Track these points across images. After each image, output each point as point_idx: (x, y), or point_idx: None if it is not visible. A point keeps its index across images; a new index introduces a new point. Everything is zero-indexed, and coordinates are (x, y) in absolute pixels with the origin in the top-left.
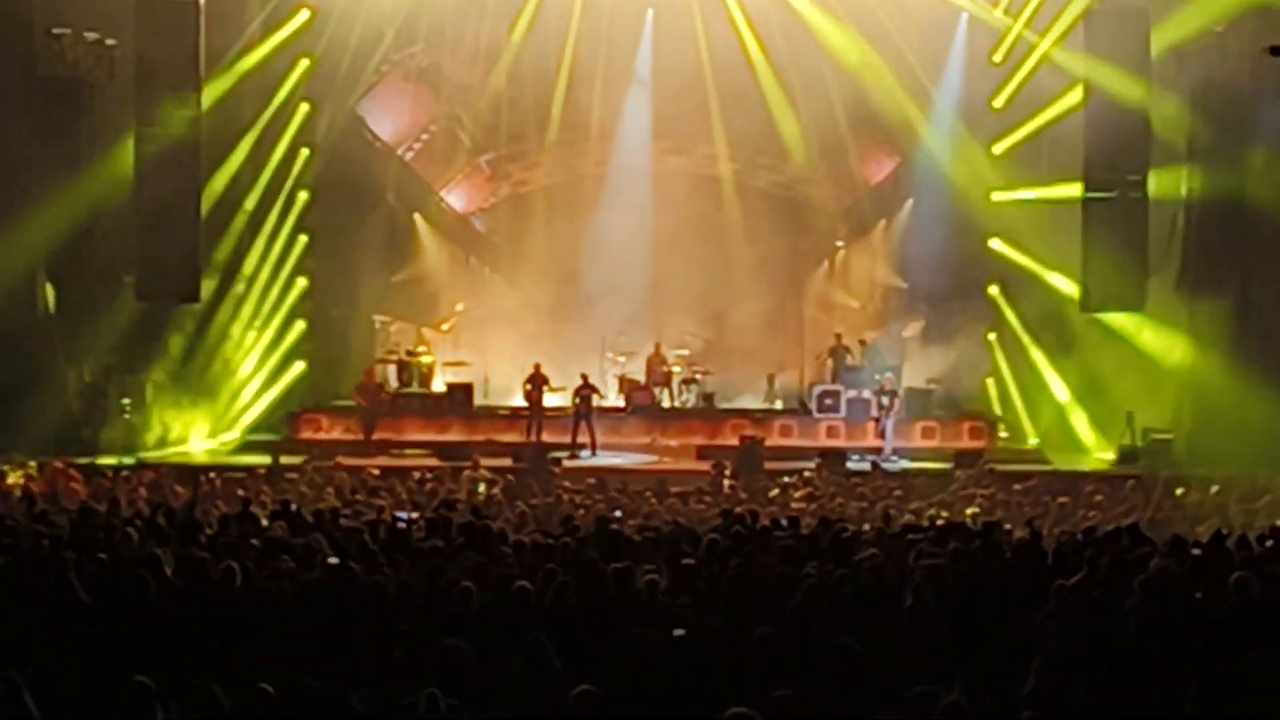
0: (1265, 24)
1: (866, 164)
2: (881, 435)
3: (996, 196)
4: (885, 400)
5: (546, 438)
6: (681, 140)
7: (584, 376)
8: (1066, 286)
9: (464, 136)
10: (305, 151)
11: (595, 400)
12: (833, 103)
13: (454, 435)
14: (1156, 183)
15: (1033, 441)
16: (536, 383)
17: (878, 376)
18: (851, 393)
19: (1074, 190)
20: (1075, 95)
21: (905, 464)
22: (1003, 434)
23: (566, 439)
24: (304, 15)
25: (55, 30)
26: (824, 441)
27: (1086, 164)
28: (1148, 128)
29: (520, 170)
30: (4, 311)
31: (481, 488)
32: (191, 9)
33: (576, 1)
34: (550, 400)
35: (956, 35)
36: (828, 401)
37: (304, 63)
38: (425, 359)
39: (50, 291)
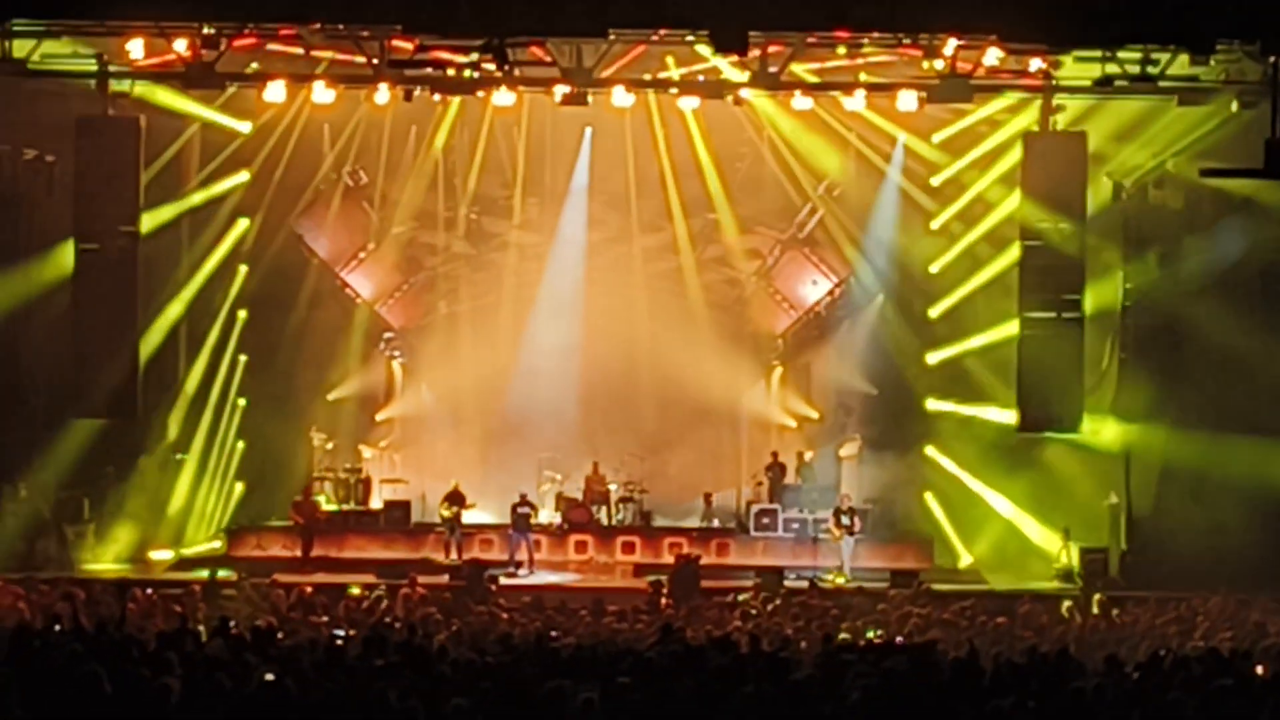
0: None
1: (803, 284)
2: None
3: (932, 359)
4: (846, 520)
5: (467, 555)
6: (618, 258)
7: (522, 495)
8: (1003, 416)
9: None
10: (244, 269)
11: (531, 517)
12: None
13: (392, 553)
14: (1092, 298)
15: (966, 561)
16: (454, 500)
17: (820, 495)
18: (790, 512)
19: (1012, 328)
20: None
21: (862, 583)
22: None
23: (488, 556)
24: (243, 176)
25: None
26: (761, 560)
27: (1021, 289)
28: (1083, 250)
29: (457, 287)
30: None
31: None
32: (132, 129)
33: (519, 118)
34: (470, 518)
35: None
36: (765, 520)
37: (243, 175)
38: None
39: None
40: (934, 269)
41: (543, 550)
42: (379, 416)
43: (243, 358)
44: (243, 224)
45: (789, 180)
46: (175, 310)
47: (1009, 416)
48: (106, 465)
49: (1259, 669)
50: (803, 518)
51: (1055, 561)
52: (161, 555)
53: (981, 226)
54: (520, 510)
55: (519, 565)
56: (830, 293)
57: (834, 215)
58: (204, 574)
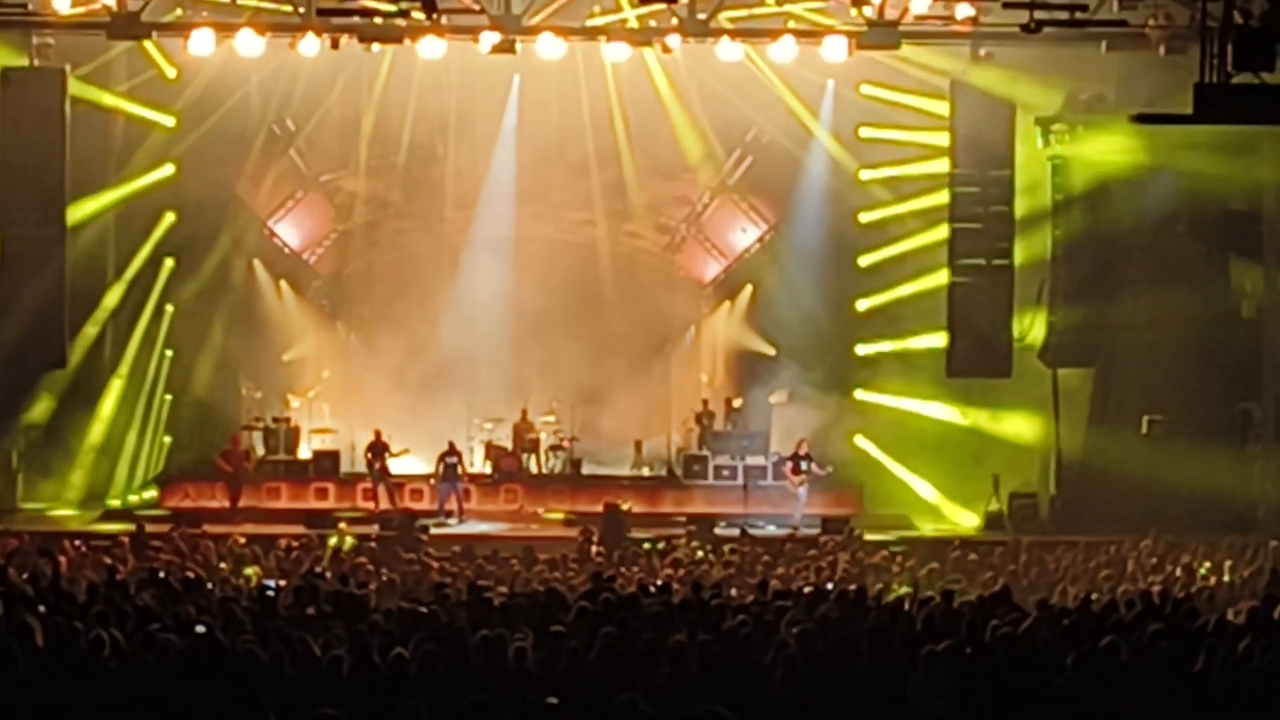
0: (1130, 96)
1: (733, 231)
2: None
3: (862, 305)
4: (804, 465)
5: (387, 505)
6: (548, 206)
7: (450, 443)
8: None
9: (328, 201)
10: (170, 216)
11: (460, 467)
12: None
13: (321, 503)
14: (1022, 248)
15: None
16: (376, 450)
17: (750, 441)
18: (720, 458)
19: (942, 277)
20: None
21: (813, 530)
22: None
23: (420, 506)
24: (168, 169)
25: None
26: (692, 508)
27: (951, 237)
28: (1011, 196)
29: (387, 236)
30: None
31: (348, 541)
32: (58, 79)
33: (448, 68)
34: (401, 467)
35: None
36: (695, 468)
37: (168, 168)
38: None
39: None
40: (864, 219)
41: (473, 500)
42: (308, 367)
43: (169, 307)
44: (169, 169)
45: (714, 130)
46: (101, 259)
47: (938, 341)
48: (35, 415)
49: (1190, 612)
50: (733, 464)
51: (985, 506)
52: (89, 506)
53: (910, 169)
54: (448, 460)
55: (449, 514)
56: (760, 239)
57: (762, 163)
58: (132, 526)
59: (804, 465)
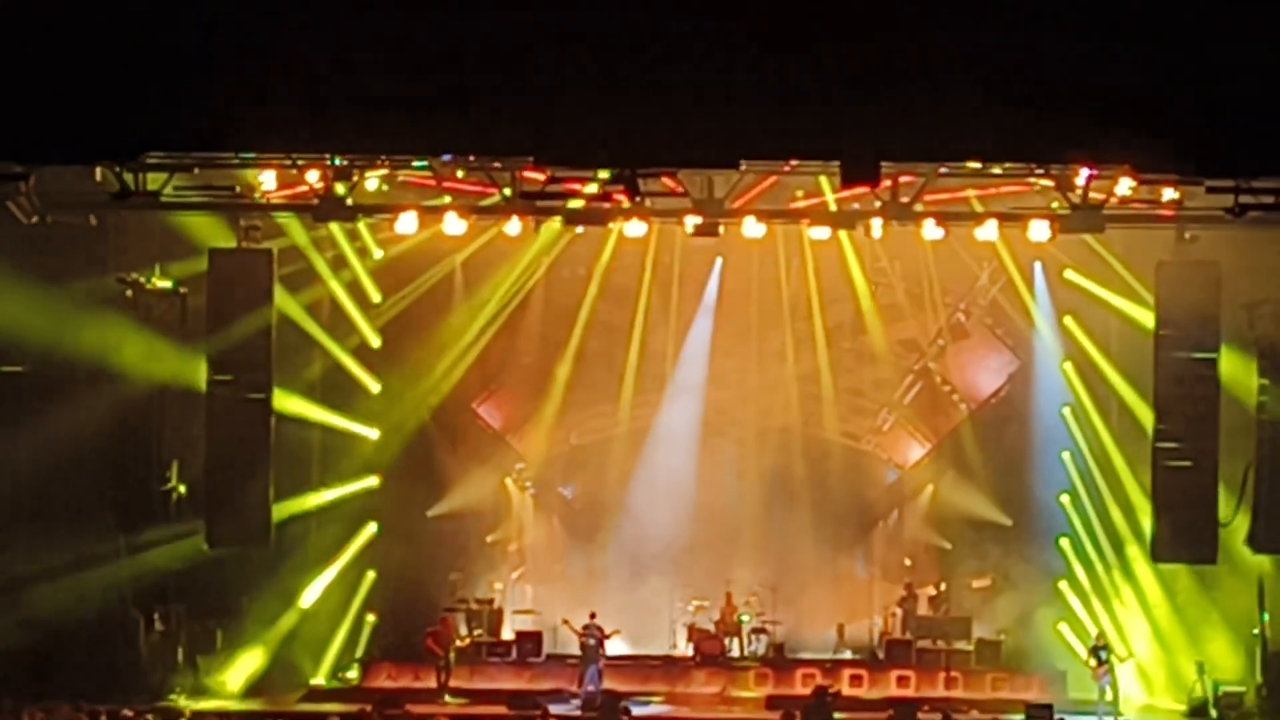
0: None
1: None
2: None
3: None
4: (1103, 654)
5: (592, 688)
6: (748, 389)
7: (592, 615)
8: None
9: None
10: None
11: (601, 643)
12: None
13: (523, 684)
14: (1226, 441)
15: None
16: (592, 631)
17: (953, 626)
18: (923, 643)
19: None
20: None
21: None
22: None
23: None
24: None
25: (124, 277)
26: (895, 691)
27: (1158, 416)
28: (1217, 380)
29: (583, 419)
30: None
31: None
32: (264, 259)
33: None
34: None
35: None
36: (897, 651)
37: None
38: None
39: None
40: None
41: (674, 682)
42: (510, 548)
43: (372, 479)
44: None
45: (928, 301)
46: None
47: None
48: (241, 595)
49: None
50: (936, 649)
51: (1190, 694)
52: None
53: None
54: (592, 632)
55: (587, 695)
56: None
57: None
58: (338, 707)
59: (1102, 655)
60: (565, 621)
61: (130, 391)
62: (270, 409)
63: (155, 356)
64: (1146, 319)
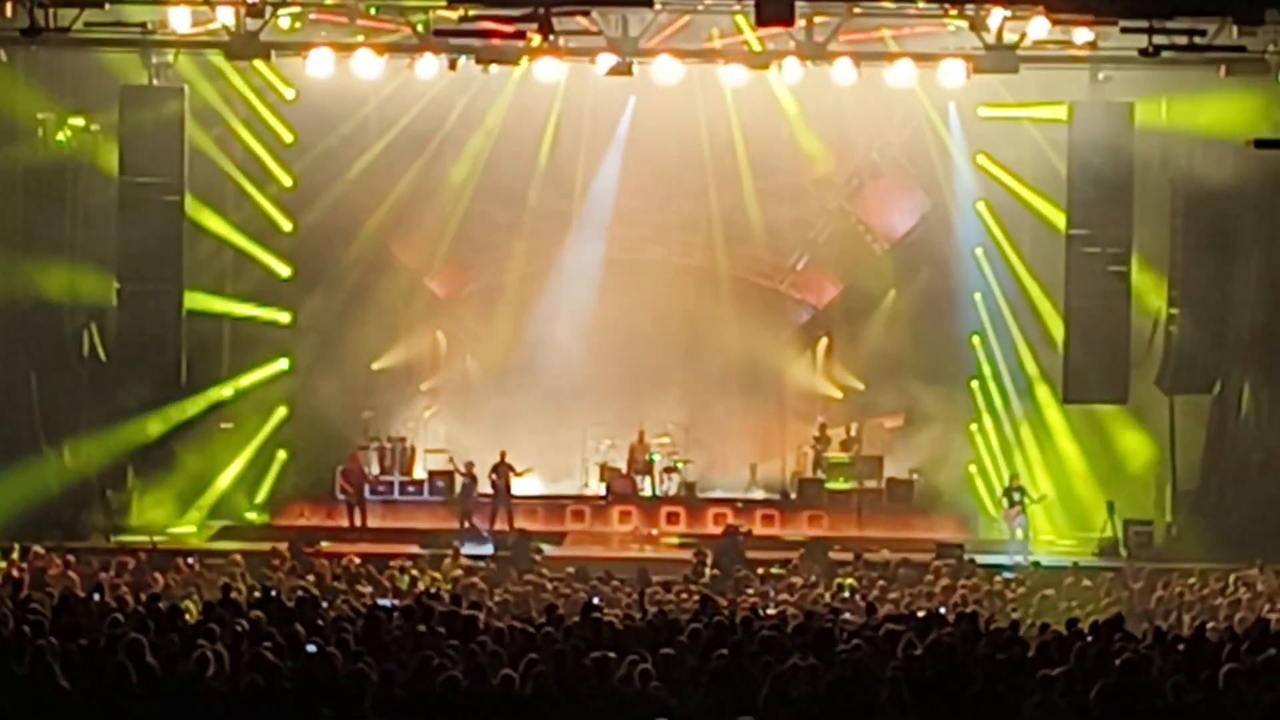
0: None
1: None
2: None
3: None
4: (1017, 496)
5: (504, 525)
6: (660, 228)
7: (502, 454)
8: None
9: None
10: (288, 224)
11: (512, 478)
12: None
13: (435, 522)
14: (1139, 280)
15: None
16: (501, 470)
17: (865, 466)
18: (834, 483)
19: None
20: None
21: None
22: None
23: (533, 527)
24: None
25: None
26: (807, 531)
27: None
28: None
29: (495, 259)
30: None
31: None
32: (177, 96)
33: (557, 88)
34: (519, 487)
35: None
36: (809, 491)
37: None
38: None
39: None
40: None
41: (587, 520)
42: (424, 386)
43: (283, 316)
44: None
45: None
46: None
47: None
48: (149, 430)
49: None
50: (847, 489)
51: (1099, 534)
52: (204, 524)
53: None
54: (499, 469)
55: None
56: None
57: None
58: (247, 544)
59: (1015, 496)
60: (450, 460)
61: None
62: (182, 212)
63: None
64: (1060, 164)
